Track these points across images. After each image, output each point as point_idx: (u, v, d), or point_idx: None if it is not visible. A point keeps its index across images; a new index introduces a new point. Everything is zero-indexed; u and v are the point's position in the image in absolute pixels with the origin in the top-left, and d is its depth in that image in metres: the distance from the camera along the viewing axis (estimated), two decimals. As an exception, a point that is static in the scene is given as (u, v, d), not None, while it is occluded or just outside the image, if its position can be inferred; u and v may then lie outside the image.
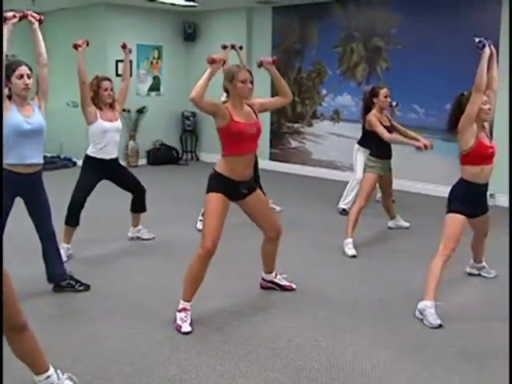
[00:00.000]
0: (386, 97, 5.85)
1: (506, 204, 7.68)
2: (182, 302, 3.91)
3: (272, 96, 4.26)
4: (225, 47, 7.08)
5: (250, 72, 3.98)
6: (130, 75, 9.96)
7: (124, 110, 9.72)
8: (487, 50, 4.22)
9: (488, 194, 7.42)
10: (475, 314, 4.25)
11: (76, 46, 5.21)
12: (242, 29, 10.24)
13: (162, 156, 10.79)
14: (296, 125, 10.06)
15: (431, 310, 3.97)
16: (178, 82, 10.95)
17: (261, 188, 7.05)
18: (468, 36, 7.75)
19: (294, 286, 4.63)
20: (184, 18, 10.87)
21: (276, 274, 4.61)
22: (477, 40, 4.25)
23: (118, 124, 5.38)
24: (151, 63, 10.65)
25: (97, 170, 5.27)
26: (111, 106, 5.34)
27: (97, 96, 5.22)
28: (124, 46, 5.68)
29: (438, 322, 3.92)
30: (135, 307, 4.21)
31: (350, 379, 3.28)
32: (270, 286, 4.60)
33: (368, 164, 5.88)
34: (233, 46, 7.19)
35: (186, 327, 3.80)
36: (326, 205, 7.40)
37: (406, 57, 8.44)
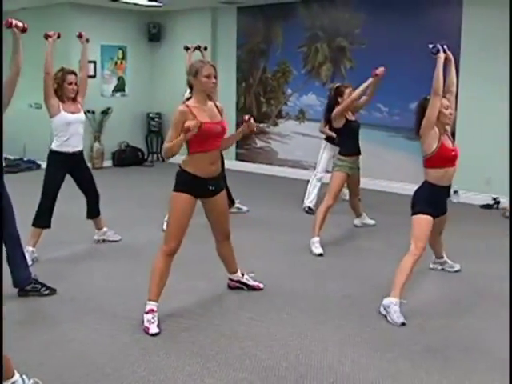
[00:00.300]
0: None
1: (469, 200, 7.81)
2: (148, 302, 3.89)
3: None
4: (187, 48, 7.02)
5: (213, 67, 3.98)
6: (95, 76, 10.00)
7: (88, 112, 9.64)
8: (441, 55, 4.32)
9: (452, 190, 7.59)
10: (439, 309, 4.31)
11: (46, 37, 5.23)
12: (207, 29, 10.23)
13: (127, 157, 10.71)
14: (262, 124, 10.08)
15: (395, 307, 4.02)
16: (143, 83, 10.90)
17: (227, 188, 7.10)
18: (431, 35, 7.92)
19: (262, 286, 4.64)
20: (148, 18, 10.81)
21: (243, 274, 4.62)
22: (431, 46, 4.36)
23: (81, 116, 5.34)
24: (115, 64, 10.56)
25: (62, 164, 5.21)
26: (74, 99, 5.29)
27: (60, 89, 5.16)
28: (80, 36, 5.63)
29: (401, 320, 3.97)
30: (102, 310, 4.17)
31: (318, 376, 3.30)
32: (238, 286, 4.60)
33: (336, 163, 5.91)
34: (198, 47, 7.16)
35: (153, 329, 3.78)
36: (293, 204, 7.44)
37: (369, 56, 8.51)
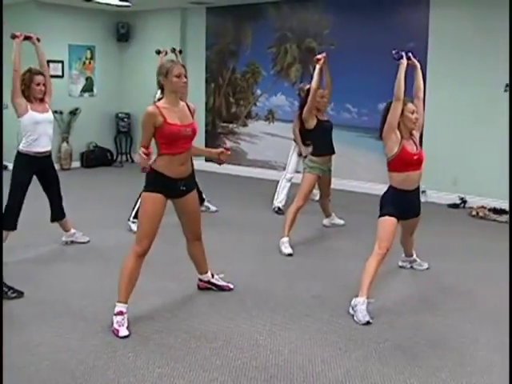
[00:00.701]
0: (322, 97, 5.86)
1: (437, 200, 7.92)
2: (117, 304, 3.86)
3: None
4: (159, 52, 6.92)
5: (184, 67, 3.99)
6: (62, 76, 9.88)
7: (56, 112, 9.52)
8: (404, 61, 4.41)
9: (420, 190, 7.65)
10: (408, 307, 4.35)
11: (13, 37, 5.18)
12: (176, 29, 10.19)
13: (96, 158, 10.62)
14: (231, 125, 10.09)
15: (362, 306, 4.05)
16: (112, 83, 10.81)
17: (197, 186, 7.07)
18: (399, 36, 8.03)
19: (232, 286, 4.64)
20: (117, 18, 10.73)
21: (212, 275, 4.62)
22: (394, 52, 4.44)
23: (50, 116, 5.28)
24: (84, 64, 10.46)
25: (29, 165, 5.15)
26: (42, 100, 5.23)
27: (28, 90, 5.10)
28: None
29: (367, 319, 3.99)
30: (71, 313, 4.13)
31: (288, 376, 3.31)
32: (207, 287, 4.59)
33: (308, 164, 5.93)
34: (173, 50, 7.09)
35: (123, 331, 3.75)
36: (262, 204, 7.45)
37: (338, 57, 8.53)
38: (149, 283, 4.64)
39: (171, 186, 3.99)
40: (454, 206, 7.77)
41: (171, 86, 3.91)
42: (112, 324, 3.80)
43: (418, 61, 4.65)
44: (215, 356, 3.53)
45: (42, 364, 3.40)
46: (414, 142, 4.45)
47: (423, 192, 7.88)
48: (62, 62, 9.99)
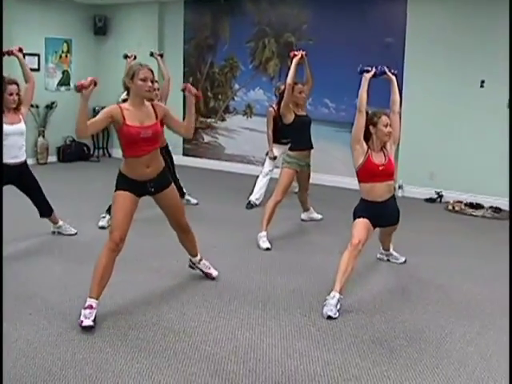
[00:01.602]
0: (300, 92, 5.88)
1: (413, 194, 7.98)
2: (88, 299, 3.84)
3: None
4: (126, 57, 6.88)
5: (151, 71, 3.95)
6: (39, 69, 9.77)
7: (32, 106, 9.41)
8: (367, 75, 4.49)
9: (396, 185, 7.76)
10: (385, 300, 4.39)
11: None
12: (154, 23, 10.13)
13: (72, 153, 10.52)
14: (209, 120, 10.07)
15: (331, 301, 4.05)
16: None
17: (177, 181, 7.09)
18: (377, 31, 8.08)
19: (215, 275, 4.71)
20: (94, 11, 10.63)
21: (201, 260, 4.70)
22: (358, 68, 4.56)
23: (21, 127, 5.18)
24: (60, 57, 10.34)
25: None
26: (16, 109, 5.16)
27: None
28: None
29: (329, 313, 3.99)
30: (48, 308, 4.09)
31: (266, 370, 3.32)
32: (194, 268, 4.73)
33: (285, 159, 5.94)
34: (152, 54, 7.04)
35: (87, 322, 3.72)
36: (240, 199, 7.44)
37: (317, 52, 8.55)
38: (127, 277, 4.63)
39: (139, 188, 4.01)
40: (431, 200, 7.85)
41: (136, 89, 3.90)
42: (79, 316, 3.78)
43: (395, 74, 4.71)
44: (194, 350, 3.53)
45: (18, 360, 3.36)
46: (385, 154, 4.47)
47: (400, 187, 7.96)
48: (39, 55, 9.87)
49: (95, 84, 3.78)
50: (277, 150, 7.11)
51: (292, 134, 6.06)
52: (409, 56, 7.88)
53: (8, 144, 5.04)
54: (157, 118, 4.01)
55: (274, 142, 7.11)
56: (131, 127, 3.86)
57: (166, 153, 6.44)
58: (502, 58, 7.02)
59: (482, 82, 7.37)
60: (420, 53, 7.81)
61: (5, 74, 5.08)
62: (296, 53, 5.92)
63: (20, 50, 5.43)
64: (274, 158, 7.16)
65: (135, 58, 6.85)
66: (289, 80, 5.79)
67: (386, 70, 4.65)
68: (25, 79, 5.38)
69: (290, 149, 5.98)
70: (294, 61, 5.86)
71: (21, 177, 5.28)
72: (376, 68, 4.57)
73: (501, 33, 7.03)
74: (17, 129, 5.13)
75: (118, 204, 3.95)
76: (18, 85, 5.14)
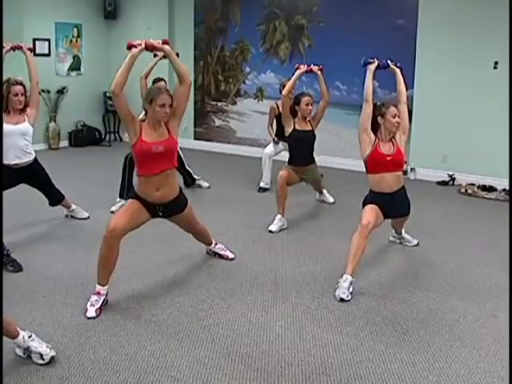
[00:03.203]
0: (307, 105, 5.80)
1: (425, 177, 7.94)
2: (97, 285, 3.88)
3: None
4: (155, 55, 6.70)
5: (170, 96, 3.90)
6: (49, 54, 9.77)
7: (43, 91, 9.43)
8: (371, 66, 4.53)
9: (408, 168, 7.72)
10: (397, 282, 4.39)
11: None
12: (164, 7, 10.06)
13: (84, 137, 10.53)
14: (220, 103, 10.04)
15: (344, 283, 4.06)
16: (100, 61, 10.69)
17: (190, 175, 7.12)
18: (388, 13, 8.00)
19: (231, 256, 4.79)
20: (104, -5, 10.59)
21: (216, 243, 4.79)
22: (362, 60, 4.59)
23: (23, 127, 5.08)
24: (70, 42, 10.32)
25: (6, 175, 4.92)
26: (23, 110, 5.09)
27: (6, 100, 4.95)
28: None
29: (342, 296, 3.99)
30: (61, 292, 4.12)
31: (279, 352, 3.33)
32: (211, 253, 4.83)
33: (286, 165, 5.92)
34: (164, 57, 6.90)
35: (90, 312, 3.74)
36: (252, 182, 7.42)
37: (328, 34, 8.54)
38: (139, 261, 4.66)
39: (149, 208, 4.02)
40: (443, 183, 7.80)
41: (154, 114, 3.89)
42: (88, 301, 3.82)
43: (400, 67, 4.73)
44: (206, 333, 3.55)
45: (33, 342, 3.40)
46: (394, 145, 4.46)
47: (412, 169, 7.92)
48: (49, 40, 9.85)
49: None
50: (281, 146, 7.09)
51: (289, 148, 6.02)
52: (421, 38, 7.80)
53: (7, 144, 4.90)
54: (169, 133, 3.99)
55: (280, 140, 7.10)
56: (144, 142, 3.87)
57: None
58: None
59: (496, 63, 7.28)
60: (432, 34, 7.73)
61: (8, 75, 5.00)
62: (301, 66, 5.88)
63: (30, 49, 5.35)
64: (277, 142, 7.12)
65: (164, 57, 6.66)
66: (284, 91, 5.78)
67: (390, 63, 4.69)
68: (30, 78, 5.25)
69: (288, 162, 5.93)
70: (297, 73, 5.84)
71: (29, 177, 5.24)
72: (379, 60, 4.61)
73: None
74: (17, 129, 5.02)
75: (125, 206, 4.04)
76: (24, 86, 5.07)
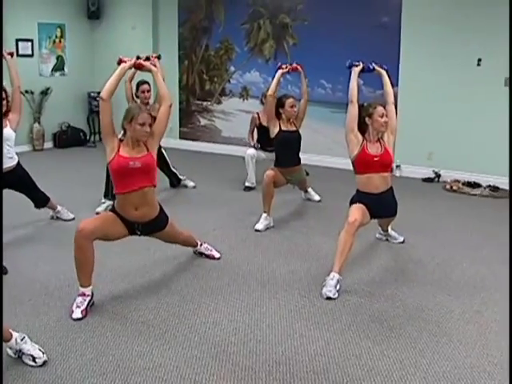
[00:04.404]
0: (291, 107, 5.82)
1: (411, 174, 7.97)
2: (79, 287, 3.85)
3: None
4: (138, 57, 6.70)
5: (150, 115, 3.89)
6: (32, 55, 9.70)
7: (27, 92, 9.38)
8: (356, 68, 4.59)
9: (394, 165, 7.74)
10: (384, 279, 4.40)
11: None
12: (148, 6, 10.02)
13: (69, 138, 10.46)
14: (205, 103, 10.02)
15: (331, 281, 4.07)
16: (84, 62, 10.63)
17: (176, 176, 7.10)
18: (372, 10, 8.01)
19: (217, 256, 4.79)
20: (87, -6, 10.53)
21: (201, 244, 4.77)
22: (347, 63, 4.65)
23: (4, 132, 4.98)
24: (54, 42, 10.25)
25: None
26: (4, 115, 5.01)
27: None
28: None
29: (329, 294, 4.00)
30: (47, 294, 4.10)
31: (267, 351, 3.33)
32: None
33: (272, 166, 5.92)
34: (148, 58, 6.85)
35: (76, 313, 3.71)
36: (237, 181, 7.42)
37: (312, 33, 8.55)
38: (125, 261, 4.64)
39: (127, 224, 3.98)
40: (429, 180, 7.84)
41: (133, 133, 3.87)
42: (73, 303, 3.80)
43: (385, 69, 4.78)
44: (194, 333, 3.54)
45: (19, 345, 3.37)
46: (381, 145, 4.48)
47: (397, 166, 7.95)
48: (32, 40, 9.77)
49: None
50: (263, 155, 7.09)
51: (275, 149, 6.04)
52: (405, 35, 7.83)
53: None
54: (148, 150, 3.94)
55: (260, 149, 7.14)
56: (121, 157, 3.84)
57: (160, 155, 6.54)
58: (500, 35, 6.96)
59: (479, 60, 7.33)
60: (416, 32, 7.76)
61: None
62: (284, 66, 5.89)
63: (11, 54, 5.28)
64: (257, 147, 7.15)
65: (148, 58, 6.65)
66: (269, 91, 5.80)
67: (376, 67, 4.74)
68: (11, 83, 5.18)
69: (274, 163, 5.93)
70: (279, 72, 5.84)
71: (13, 182, 5.18)
72: (364, 63, 4.65)
73: (499, 10, 6.96)
74: None
75: (101, 214, 4.00)
76: (5, 91, 5.02)
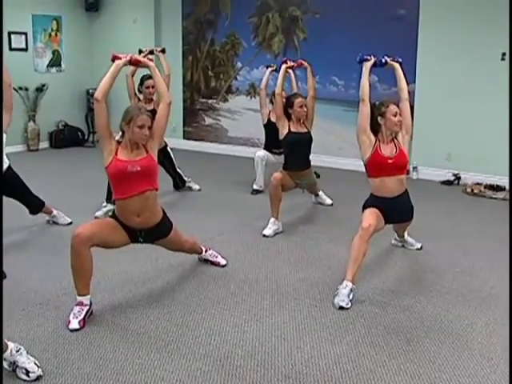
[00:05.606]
0: (301, 107, 5.82)
1: (428, 177, 7.95)
2: (77, 296, 3.85)
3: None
4: (140, 51, 6.76)
5: (149, 117, 3.89)
6: (27, 49, 9.72)
7: (21, 88, 9.41)
8: (367, 64, 4.54)
9: (411, 167, 7.73)
10: (401, 289, 4.38)
11: None
12: (150, -2, 10.07)
13: (66, 138, 10.50)
14: (210, 101, 10.04)
15: (343, 290, 4.06)
16: (81, 57, 10.67)
17: (181, 177, 7.12)
18: (388, 3, 7.98)
19: (223, 263, 4.79)
20: (85, -15, 10.57)
21: (206, 250, 4.77)
22: (358, 57, 4.62)
23: None
24: (50, 36, 10.27)
25: None
26: None
27: None
28: None
29: (341, 304, 3.99)
30: (42, 303, 4.10)
31: (276, 364, 3.32)
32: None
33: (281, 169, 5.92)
34: (152, 52, 6.92)
35: (74, 324, 3.71)
36: (244, 183, 7.42)
37: (324, 27, 8.54)
38: (126, 270, 4.64)
39: (129, 231, 3.98)
40: (448, 182, 7.82)
41: (132, 135, 3.87)
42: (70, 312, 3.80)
43: (399, 62, 4.73)
44: (198, 345, 3.53)
45: (12, 357, 3.37)
46: (396, 146, 4.46)
47: (414, 168, 7.93)
48: (26, 33, 9.80)
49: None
50: (273, 158, 7.09)
51: (284, 151, 6.05)
52: (423, 29, 7.82)
53: None
54: (147, 152, 3.95)
55: (266, 149, 7.15)
56: (119, 161, 3.85)
57: (166, 154, 6.66)
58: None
59: (503, 54, 7.29)
60: (435, 25, 7.74)
61: None
62: (288, 61, 5.90)
63: None
64: (273, 69, 7.11)
65: (151, 52, 6.74)
66: (276, 89, 5.82)
67: (388, 60, 4.68)
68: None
69: (283, 166, 5.93)
70: (283, 67, 5.83)
71: (3, 188, 5.18)
72: (375, 57, 4.61)
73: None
74: None
75: (100, 219, 3.98)
76: None
